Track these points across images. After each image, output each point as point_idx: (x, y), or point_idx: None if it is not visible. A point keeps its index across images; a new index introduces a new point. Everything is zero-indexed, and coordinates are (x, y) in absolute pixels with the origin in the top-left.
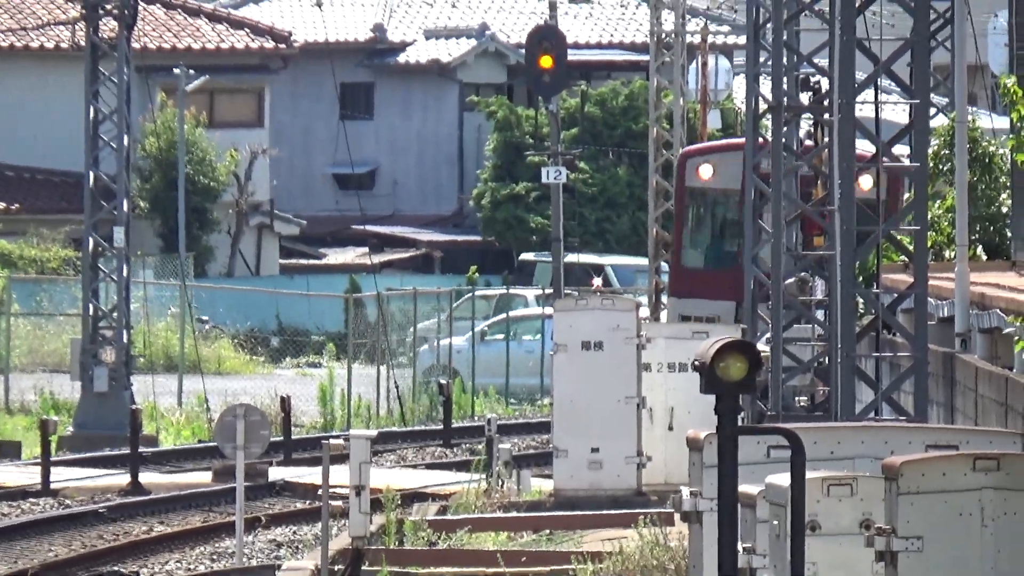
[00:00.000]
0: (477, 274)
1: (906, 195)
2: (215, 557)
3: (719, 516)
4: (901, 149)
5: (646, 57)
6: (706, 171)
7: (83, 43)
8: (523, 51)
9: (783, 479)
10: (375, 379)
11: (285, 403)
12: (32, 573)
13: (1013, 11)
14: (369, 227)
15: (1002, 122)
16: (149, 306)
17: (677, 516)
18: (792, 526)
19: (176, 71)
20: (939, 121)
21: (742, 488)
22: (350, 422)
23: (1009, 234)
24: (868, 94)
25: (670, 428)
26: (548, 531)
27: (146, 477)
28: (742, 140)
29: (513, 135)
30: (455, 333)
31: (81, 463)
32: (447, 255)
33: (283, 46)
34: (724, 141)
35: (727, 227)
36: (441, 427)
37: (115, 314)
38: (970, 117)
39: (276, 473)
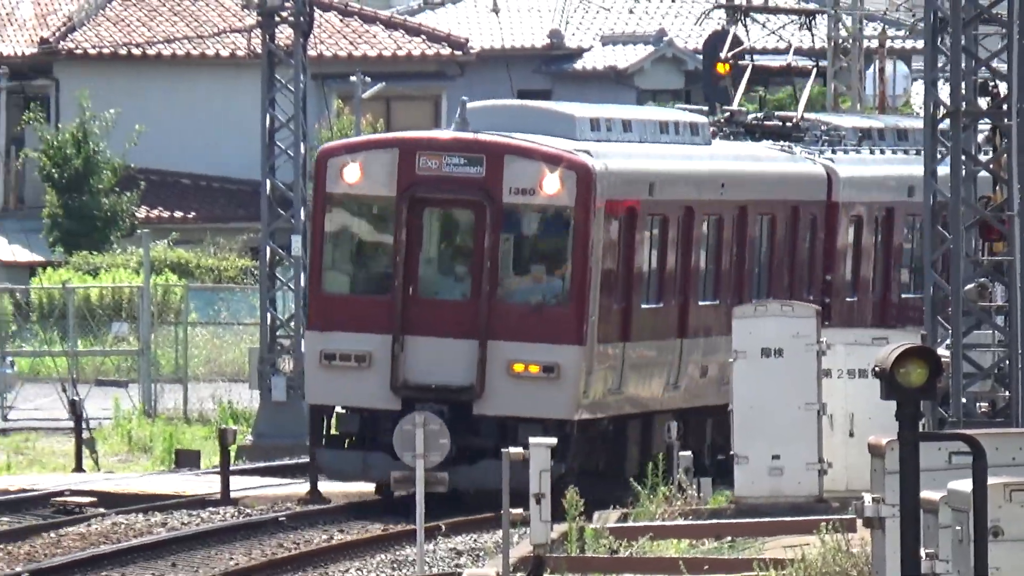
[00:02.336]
0: None
1: None
2: (395, 565)
3: (901, 522)
4: None
5: (824, 63)
6: (352, 173)
7: (259, 51)
8: (700, 57)
9: (965, 485)
10: None
11: None
12: None
13: None
14: None
15: None
16: None
17: (859, 522)
18: (975, 532)
19: (353, 78)
20: None
21: (924, 494)
22: None
23: None
24: None
25: (851, 434)
26: (730, 538)
27: (325, 486)
28: (397, 135)
29: None
30: None
31: (259, 472)
32: None
33: (460, 53)
34: (375, 135)
35: (381, 243)
36: None
37: (292, 323)
38: None
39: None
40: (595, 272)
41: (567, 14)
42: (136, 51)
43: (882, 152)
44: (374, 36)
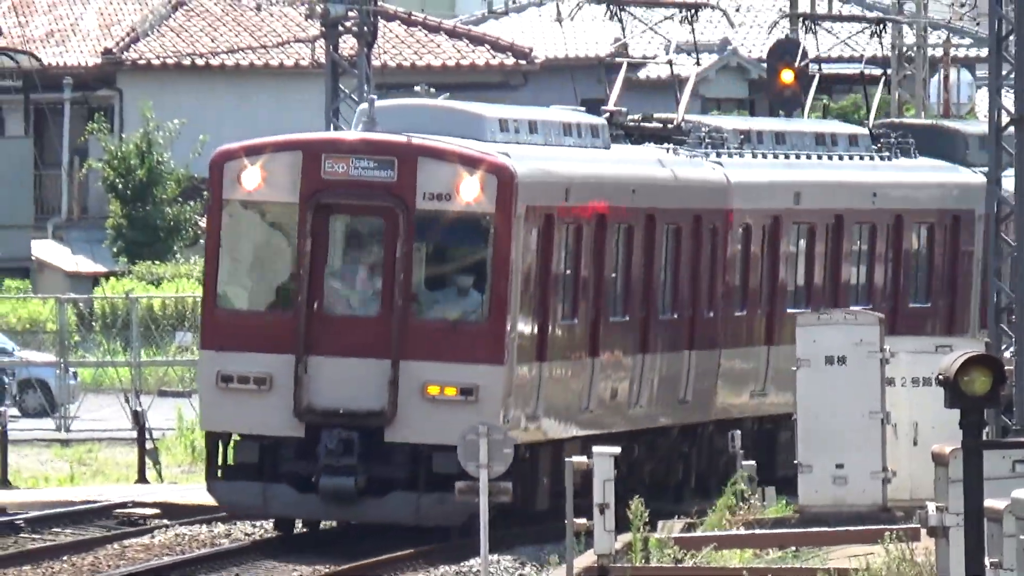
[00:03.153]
0: None
1: None
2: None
3: (965, 531)
4: None
5: (888, 71)
6: (251, 177)
7: (323, 61)
8: (764, 65)
9: None
10: None
11: None
12: None
13: None
14: None
15: None
16: None
17: (923, 531)
18: None
19: (417, 88)
20: None
21: (988, 503)
22: None
23: None
24: None
25: (914, 443)
26: (794, 547)
27: None
28: (300, 136)
29: None
30: None
31: None
32: None
33: (524, 62)
34: (278, 137)
35: (282, 254)
36: None
37: None
38: None
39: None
40: (516, 285)
41: (630, 23)
42: (200, 61)
43: (764, 156)
44: (438, 46)
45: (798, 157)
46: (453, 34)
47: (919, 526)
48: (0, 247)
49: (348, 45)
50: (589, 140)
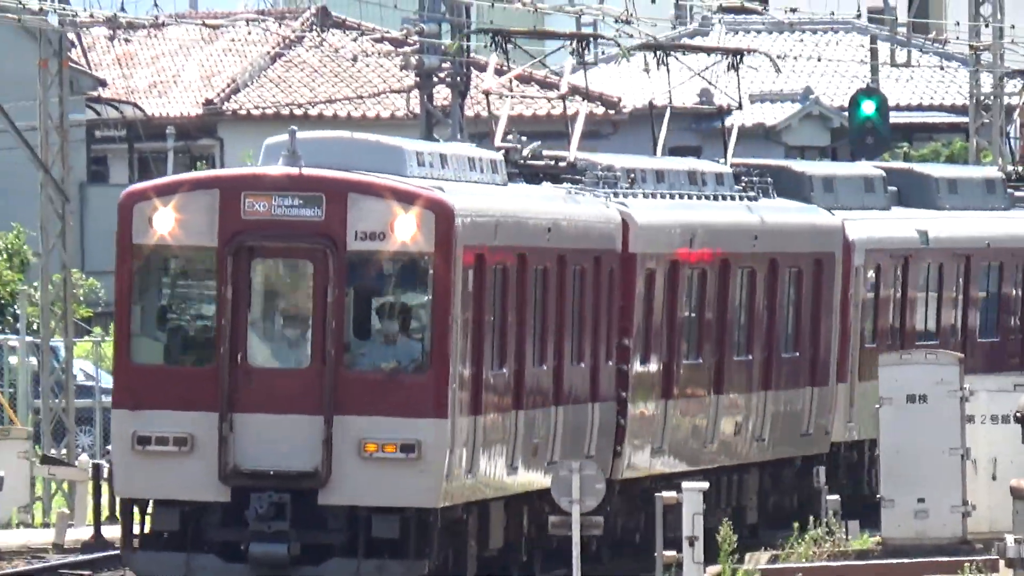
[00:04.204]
0: None
1: None
2: None
3: None
4: None
5: (966, 119)
6: (163, 220)
7: (418, 111)
8: (845, 114)
9: None
10: None
11: None
12: None
13: None
14: None
15: None
16: None
17: (1002, 563)
18: None
19: (510, 137)
20: None
21: None
22: None
23: None
24: None
25: (993, 477)
26: None
27: None
28: (217, 172)
29: None
30: None
31: None
32: None
33: (613, 112)
34: (192, 174)
35: (201, 303)
36: None
37: None
38: None
39: None
40: (457, 331)
41: (717, 72)
42: (298, 111)
43: (661, 196)
44: (530, 96)
45: (683, 197)
46: (544, 84)
47: (998, 558)
48: (109, 294)
49: (442, 96)
50: (490, 175)
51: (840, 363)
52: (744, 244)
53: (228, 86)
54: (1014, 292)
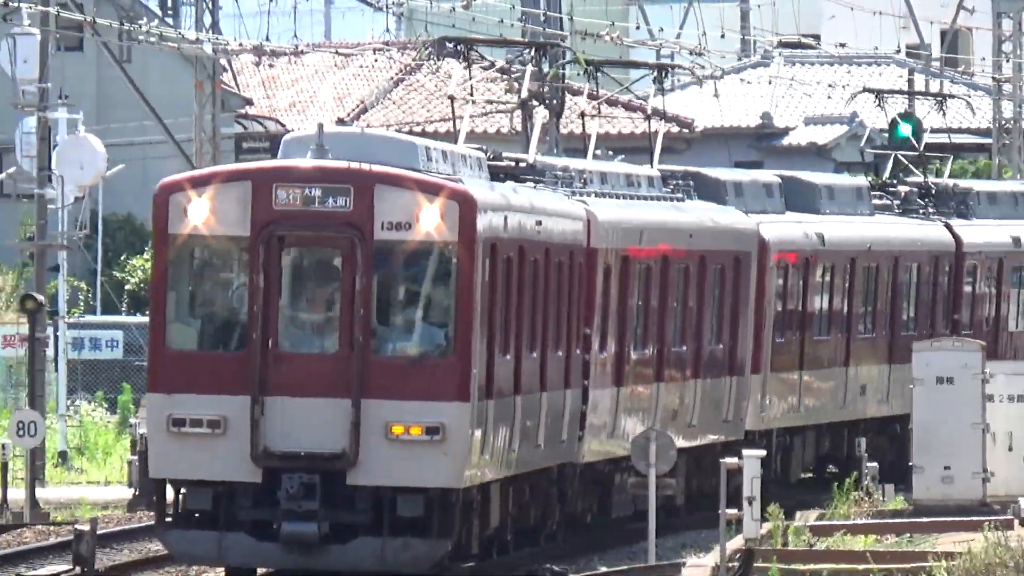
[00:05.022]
0: None
1: None
2: (631, 556)
3: None
4: None
5: (989, 140)
6: (198, 211)
7: (519, 128)
8: (885, 135)
9: None
10: None
11: None
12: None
13: None
14: None
15: None
16: None
17: (1016, 521)
18: None
19: (598, 152)
20: None
21: None
22: None
23: None
24: None
25: (1010, 448)
26: (908, 535)
27: None
28: (249, 165)
29: None
30: None
31: None
32: None
33: (687, 131)
34: (225, 167)
35: (236, 291)
36: None
37: None
38: None
39: None
40: (480, 317)
41: (775, 99)
42: (416, 129)
43: (608, 196)
44: (616, 117)
45: (621, 197)
46: (628, 107)
47: (1013, 517)
48: None
49: (541, 115)
50: (477, 172)
51: (755, 355)
52: (682, 241)
53: (357, 106)
54: (887, 292)
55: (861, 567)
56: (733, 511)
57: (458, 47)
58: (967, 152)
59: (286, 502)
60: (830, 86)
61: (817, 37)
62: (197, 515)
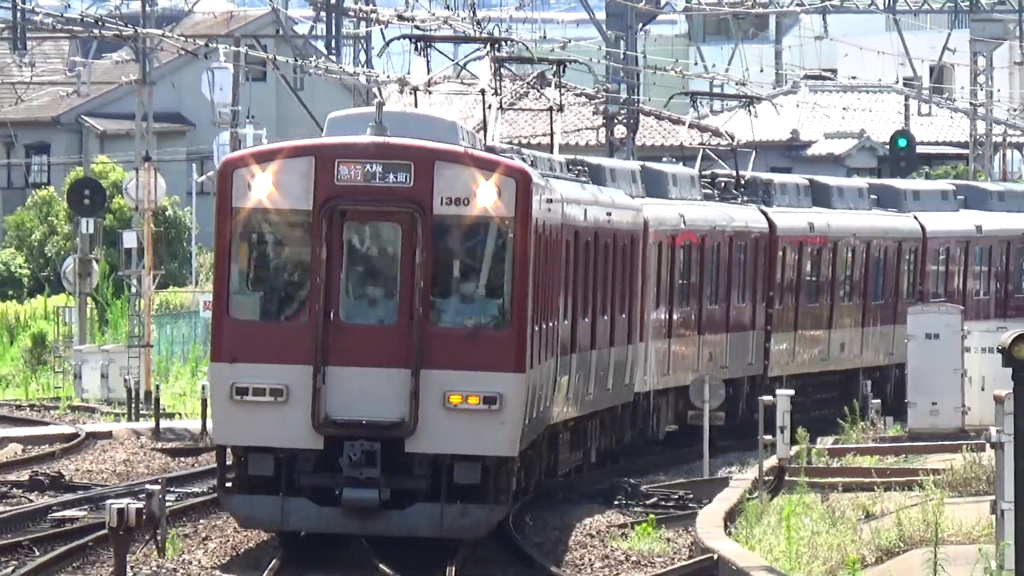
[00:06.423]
0: None
1: None
2: (688, 472)
3: (1014, 445)
4: None
5: (967, 151)
6: (262, 185)
7: (603, 142)
8: (887, 146)
9: None
10: None
11: None
12: None
13: None
14: None
15: None
16: None
17: (987, 445)
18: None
19: (664, 160)
20: None
21: None
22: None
23: None
24: None
25: (982, 389)
26: (904, 455)
27: None
28: (312, 141)
29: None
30: None
31: None
32: None
33: (728, 144)
34: (288, 143)
35: (297, 263)
36: None
37: None
38: None
39: None
40: (535, 290)
41: (801, 118)
42: (523, 142)
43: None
44: (677, 132)
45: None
46: (691, 125)
47: (984, 442)
48: None
49: (619, 132)
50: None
51: (641, 326)
52: (603, 218)
53: (476, 126)
54: (737, 272)
55: (867, 480)
56: (768, 436)
57: (417, 44)
58: (950, 160)
59: (348, 469)
60: (844, 109)
61: (834, 71)
62: (258, 481)
